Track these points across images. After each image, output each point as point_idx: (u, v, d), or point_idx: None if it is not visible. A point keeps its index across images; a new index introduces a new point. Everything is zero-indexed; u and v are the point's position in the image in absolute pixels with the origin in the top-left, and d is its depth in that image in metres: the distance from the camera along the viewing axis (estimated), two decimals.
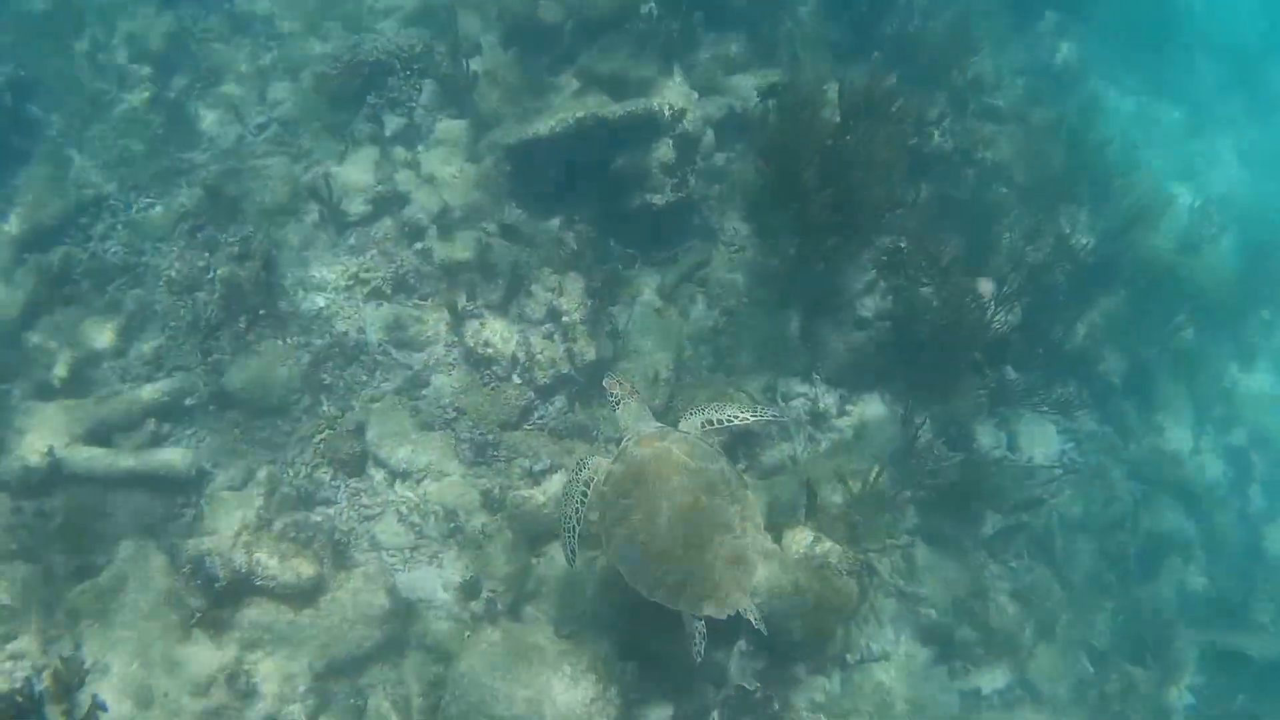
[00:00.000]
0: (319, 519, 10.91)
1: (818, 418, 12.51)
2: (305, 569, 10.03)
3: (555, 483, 11.01)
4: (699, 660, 8.79)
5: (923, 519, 12.13)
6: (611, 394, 9.75)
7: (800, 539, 10.45)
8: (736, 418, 9.82)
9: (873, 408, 12.80)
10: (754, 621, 8.72)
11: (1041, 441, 13.87)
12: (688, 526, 8.63)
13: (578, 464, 9.40)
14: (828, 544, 10.37)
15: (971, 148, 14.60)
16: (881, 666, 11.21)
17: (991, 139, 14.96)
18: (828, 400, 12.67)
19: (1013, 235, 14.22)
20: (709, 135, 13.92)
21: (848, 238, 12.33)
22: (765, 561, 9.62)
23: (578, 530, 9.06)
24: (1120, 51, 21.49)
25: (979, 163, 14.68)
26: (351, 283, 12.81)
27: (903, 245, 12.62)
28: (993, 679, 12.01)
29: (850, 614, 10.61)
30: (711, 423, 9.70)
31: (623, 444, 9.28)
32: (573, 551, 9.11)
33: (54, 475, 10.96)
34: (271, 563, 9.94)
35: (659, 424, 9.55)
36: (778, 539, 10.40)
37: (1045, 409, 13.42)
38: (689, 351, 12.70)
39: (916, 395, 12.53)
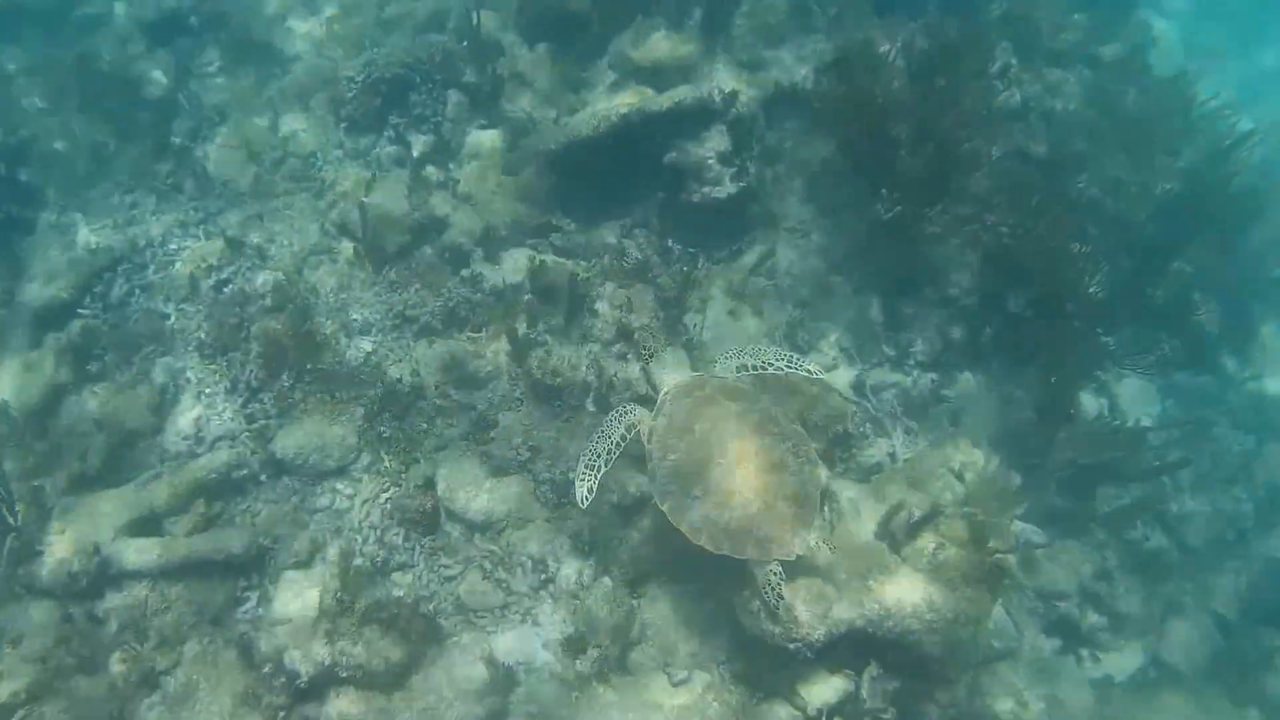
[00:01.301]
0: (401, 592, 9.81)
1: (913, 407, 11.53)
2: (393, 653, 9.04)
3: (647, 522, 9.88)
4: (778, 608, 8.42)
5: (1038, 499, 11.35)
6: (644, 347, 9.76)
7: (922, 548, 9.52)
8: (772, 365, 9.64)
9: (969, 390, 11.86)
10: (829, 549, 8.77)
11: (1142, 401, 13.32)
12: (742, 472, 8.46)
13: (620, 410, 9.37)
14: (951, 549, 9.44)
15: (1041, 98, 13.49)
16: (1009, 664, 10.54)
17: (1059, 86, 13.86)
18: (921, 387, 11.72)
19: (1094, 188, 13.11)
20: (760, 116, 12.80)
21: (937, 205, 11.43)
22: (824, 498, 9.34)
23: (602, 473, 8.99)
24: None
25: (1051, 113, 13.54)
26: (398, 322, 11.74)
27: (994, 202, 11.77)
28: (1124, 664, 11.39)
29: (985, 623, 9.62)
30: (747, 368, 9.62)
31: (661, 397, 9.28)
32: (590, 491, 8.94)
33: (102, 575, 9.83)
34: (356, 650, 8.95)
35: (695, 372, 9.55)
36: (895, 549, 9.47)
37: (1145, 370, 12.41)
38: None
39: (1012, 371, 11.75)
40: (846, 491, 10.01)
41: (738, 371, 9.51)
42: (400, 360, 11.41)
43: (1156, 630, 11.57)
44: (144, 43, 15.14)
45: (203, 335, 11.64)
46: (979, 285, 11.83)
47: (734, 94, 12.12)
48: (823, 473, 9.00)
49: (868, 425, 11.07)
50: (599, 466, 8.95)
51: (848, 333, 11.91)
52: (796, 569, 8.60)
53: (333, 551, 10.17)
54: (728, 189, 12.07)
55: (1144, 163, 13.68)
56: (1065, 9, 15.16)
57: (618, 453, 9.06)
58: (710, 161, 12.02)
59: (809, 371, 9.70)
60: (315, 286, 12.07)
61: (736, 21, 13.42)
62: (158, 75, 14.69)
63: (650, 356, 9.58)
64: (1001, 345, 11.83)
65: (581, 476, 8.93)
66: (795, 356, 9.75)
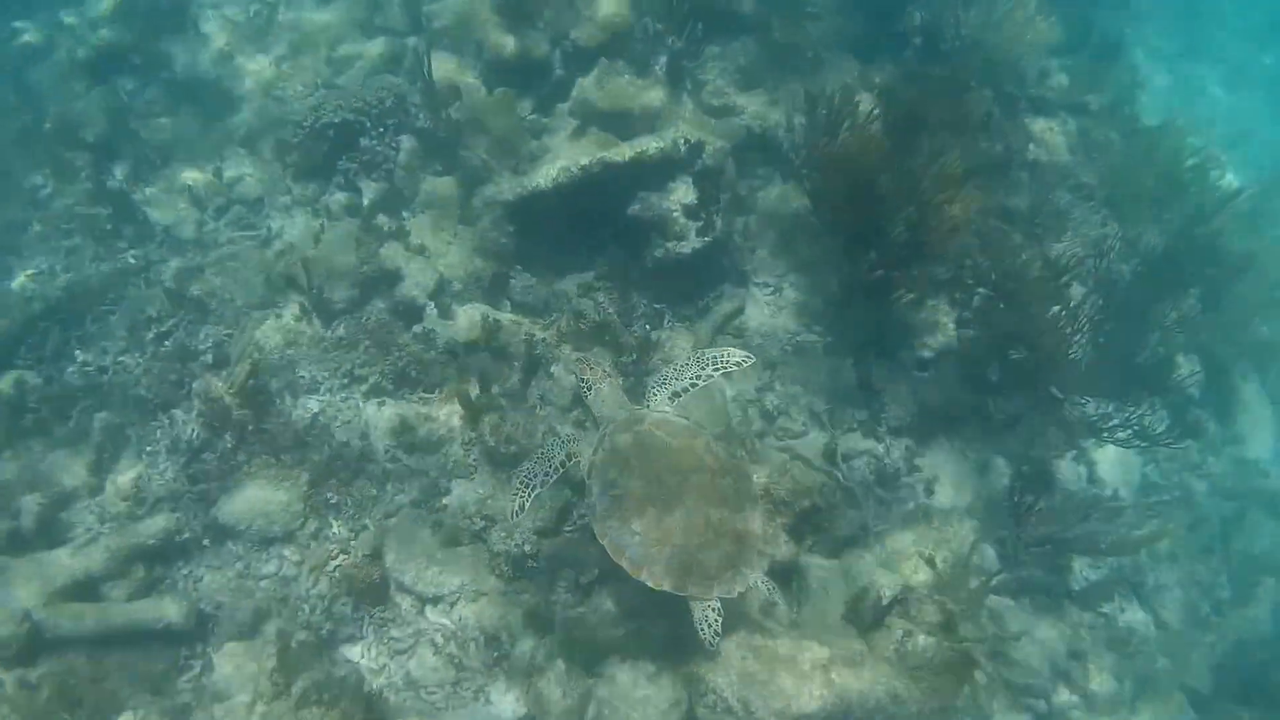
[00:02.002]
0: (343, 673, 9.68)
1: (885, 477, 11.55)
2: None
3: (606, 597, 9.73)
4: (713, 648, 8.52)
5: (1011, 573, 11.33)
6: (583, 379, 9.82)
7: (890, 633, 9.48)
8: (700, 378, 9.71)
9: (945, 459, 11.91)
10: (767, 592, 8.76)
11: (1122, 467, 13.20)
12: (683, 508, 8.58)
13: (562, 437, 9.52)
14: (920, 639, 9.40)
15: (1024, 148, 13.52)
16: None
17: (1042, 136, 13.90)
18: (894, 455, 11.70)
19: (1077, 245, 13.16)
20: (730, 166, 12.83)
21: (915, 267, 11.44)
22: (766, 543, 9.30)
23: (537, 492, 9.03)
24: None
25: (1035, 165, 13.57)
26: (346, 381, 11.67)
27: (974, 261, 11.94)
28: None
29: (951, 715, 9.55)
30: (678, 394, 9.67)
31: (600, 433, 9.33)
32: (522, 508, 8.98)
33: (35, 641, 9.72)
34: None
35: (634, 407, 9.60)
36: (863, 633, 9.47)
37: (1124, 442, 12.28)
38: (737, 417, 11.61)
39: (989, 439, 11.82)
40: (816, 568, 9.99)
41: (672, 400, 9.61)
42: (349, 422, 11.32)
43: (1129, 707, 11.52)
44: (84, 81, 15.02)
45: (143, 392, 11.52)
46: (956, 349, 11.89)
47: (700, 145, 12.22)
48: (760, 514, 9.01)
49: (839, 495, 10.92)
50: (535, 485, 9.01)
51: (819, 397, 11.88)
52: (760, 657, 8.55)
53: (271, 628, 10.04)
54: (693, 244, 12.12)
55: (1129, 217, 13.73)
56: (1049, 53, 15.23)
57: (555, 476, 9.11)
58: (675, 215, 12.09)
59: (738, 365, 9.76)
60: (260, 343, 11.91)
61: (707, 64, 13.44)
62: (96, 113, 14.52)
63: (589, 389, 9.65)
64: (978, 412, 11.88)
65: (515, 492, 8.99)
66: (718, 356, 9.80)
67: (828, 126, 11.74)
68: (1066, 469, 12.46)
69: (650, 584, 8.41)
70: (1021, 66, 14.72)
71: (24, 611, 9.71)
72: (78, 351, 12.19)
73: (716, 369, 9.68)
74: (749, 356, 9.80)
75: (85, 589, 10.15)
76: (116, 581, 10.25)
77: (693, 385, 9.65)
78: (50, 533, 10.63)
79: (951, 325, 12.00)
